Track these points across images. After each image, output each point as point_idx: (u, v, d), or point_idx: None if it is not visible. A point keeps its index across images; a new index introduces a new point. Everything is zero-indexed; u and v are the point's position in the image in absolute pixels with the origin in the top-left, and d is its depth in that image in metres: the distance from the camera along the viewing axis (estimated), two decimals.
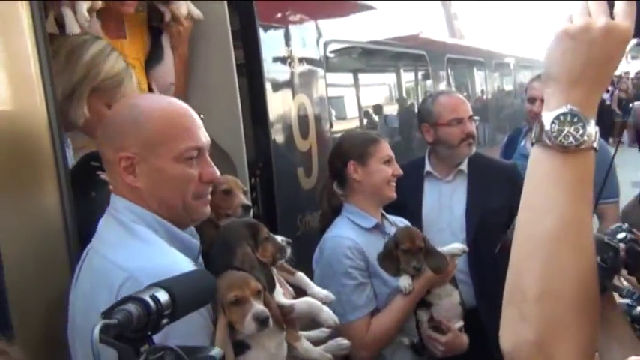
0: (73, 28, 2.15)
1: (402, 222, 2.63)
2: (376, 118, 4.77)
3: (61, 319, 1.60)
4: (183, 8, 2.65)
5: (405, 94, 5.41)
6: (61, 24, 2.23)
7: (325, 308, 1.76)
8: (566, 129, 0.97)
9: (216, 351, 1.08)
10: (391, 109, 5.12)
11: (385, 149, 2.53)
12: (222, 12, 2.79)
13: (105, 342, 0.98)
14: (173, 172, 1.56)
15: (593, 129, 0.98)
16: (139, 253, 1.48)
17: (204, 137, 1.63)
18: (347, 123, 4.24)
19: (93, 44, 2.03)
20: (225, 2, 2.77)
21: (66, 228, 1.76)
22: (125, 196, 1.59)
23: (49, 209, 1.75)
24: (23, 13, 1.75)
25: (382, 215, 2.57)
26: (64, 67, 1.97)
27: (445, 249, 2.44)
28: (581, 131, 0.97)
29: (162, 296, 1.06)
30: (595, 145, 0.98)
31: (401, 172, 2.53)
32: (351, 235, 2.43)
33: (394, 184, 2.51)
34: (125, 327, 1.00)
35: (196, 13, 2.67)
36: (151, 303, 1.04)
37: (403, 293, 2.35)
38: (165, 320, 1.06)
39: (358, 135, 2.70)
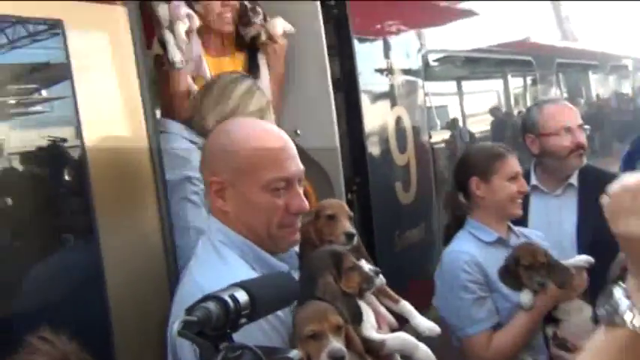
0: (174, 54, 2.34)
1: (534, 235, 2.55)
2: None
3: (162, 335, 1.65)
4: (279, 26, 2.71)
5: (512, 101, 5.22)
6: (162, 42, 2.39)
7: (422, 346, 1.65)
8: None
9: (294, 353, 1.09)
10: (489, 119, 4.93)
11: (510, 165, 2.46)
12: (318, 26, 2.84)
13: (185, 336, 1.03)
14: (258, 200, 1.61)
15: None
16: (219, 273, 1.51)
17: (296, 167, 1.65)
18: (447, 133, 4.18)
19: (242, 82, 2.23)
20: (321, 17, 2.82)
21: (166, 251, 1.87)
22: (219, 217, 1.65)
23: (149, 233, 1.85)
24: (127, 46, 1.90)
25: (509, 227, 2.52)
26: (216, 102, 2.18)
27: (570, 262, 2.38)
28: None
29: (242, 296, 1.09)
30: None
31: (527, 189, 2.48)
32: (471, 248, 2.41)
33: (520, 200, 2.46)
34: (205, 324, 1.04)
35: (288, 27, 2.71)
36: (230, 302, 1.07)
37: (524, 309, 2.30)
38: (243, 320, 1.09)
39: (483, 149, 2.62)
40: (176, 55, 2.32)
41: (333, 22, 2.95)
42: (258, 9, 2.68)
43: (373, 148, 3.07)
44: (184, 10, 2.39)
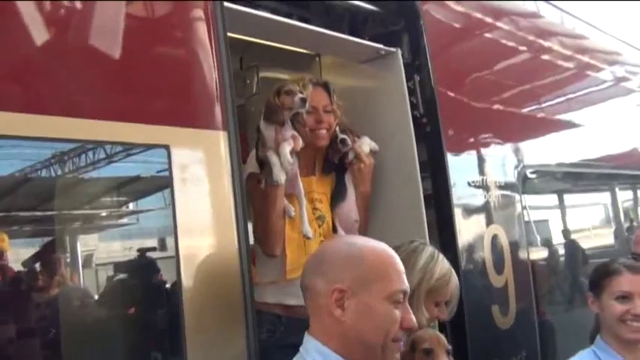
0: (279, 176, 2.40)
1: None
2: None
3: None
4: (365, 146, 2.79)
5: (622, 216, 5.01)
6: (261, 161, 2.50)
7: None
8: None
9: None
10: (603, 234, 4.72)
11: (620, 284, 2.40)
12: (410, 144, 2.92)
13: None
14: (381, 310, 1.63)
15: None
16: None
17: (407, 283, 1.71)
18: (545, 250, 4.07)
19: (424, 250, 2.27)
20: (413, 132, 2.90)
21: None
22: (319, 337, 1.65)
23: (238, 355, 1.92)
24: (224, 165, 2.05)
25: None
26: None
27: None
28: None
29: None
30: None
31: (638, 312, 2.36)
32: None
33: (635, 323, 2.35)
34: None
35: (374, 146, 2.79)
36: None
37: None
38: None
39: (603, 264, 2.56)
40: (281, 176, 2.40)
41: (425, 137, 3.03)
42: (348, 140, 2.77)
43: (468, 269, 3.02)
44: (290, 131, 2.49)
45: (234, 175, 2.06)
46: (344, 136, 2.76)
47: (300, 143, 2.48)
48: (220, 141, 2.06)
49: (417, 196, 2.87)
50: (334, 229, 2.75)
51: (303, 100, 2.47)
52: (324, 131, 2.69)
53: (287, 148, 2.42)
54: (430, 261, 2.26)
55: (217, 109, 2.08)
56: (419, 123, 3.02)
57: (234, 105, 2.12)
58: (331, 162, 2.82)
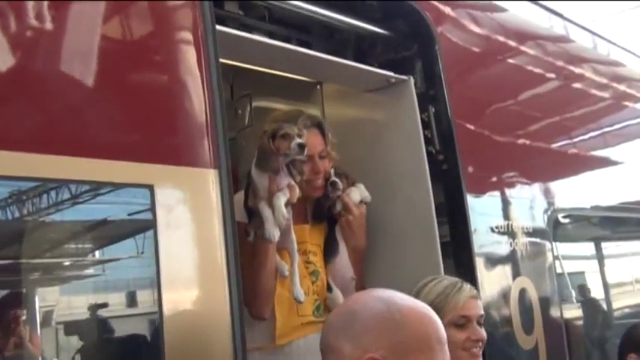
0: (272, 233, 2.39)
1: None
2: None
3: None
4: (355, 194, 2.79)
5: None
6: (250, 210, 2.49)
7: None
8: None
9: None
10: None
11: None
12: (424, 184, 2.92)
13: None
14: None
15: None
16: None
17: (448, 354, 1.66)
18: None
19: (439, 283, 2.34)
20: (427, 172, 2.92)
21: None
22: None
23: None
24: (213, 201, 2.04)
25: None
26: None
27: None
28: None
29: None
30: None
31: None
32: None
33: None
34: None
35: (366, 195, 2.79)
36: None
37: None
38: None
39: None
40: (275, 233, 2.38)
41: (441, 176, 3.05)
42: (339, 184, 2.77)
43: (492, 328, 2.96)
44: (286, 179, 2.48)
45: (225, 220, 2.05)
46: (335, 179, 2.76)
47: (297, 194, 2.48)
48: (210, 180, 2.06)
49: (432, 244, 2.88)
50: (329, 287, 2.75)
51: (302, 147, 2.45)
52: (320, 181, 2.72)
53: (282, 199, 2.41)
54: (421, 289, 2.33)
55: (207, 145, 2.08)
56: (434, 160, 3.03)
57: (225, 139, 2.12)
58: (323, 208, 2.84)
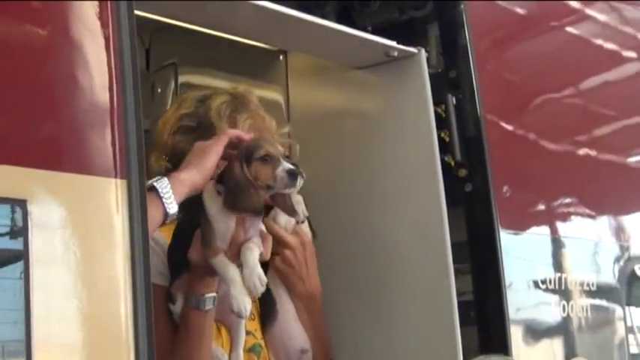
0: (243, 305, 2.23)
1: None
2: None
3: None
4: (282, 218, 2.59)
5: None
6: (178, 264, 2.37)
7: None
8: None
9: None
10: None
11: None
12: (437, 212, 2.77)
13: None
14: None
15: None
16: None
17: None
18: None
19: None
20: (442, 195, 2.77)
21: None
22: None
23: None
24: (115, 224, 1.88)
25: None
26: None
27: None
28: None
29: None
30: None
31: None
32: None
33: None
34: None
35: (287, 220, 2.61)
36: None
37: None
38: None
39: None
40: (246, 305, 2.24)
41: (463, 201, 2.97)
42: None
43: None
44: (257, 224, 2.36)
45: (134, 254, 1.88)
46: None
47: (270, 246, 2.34)
48: (112, 194, 1.89)
49: (446, 302, 2.74)
50: None
51: (293, 175, 2.29)
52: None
53: (256, 253, 2.27)
54: None
55: (108, 140, 1.91)
56: (453, 177, 2.92)
57: (139, 132, 1.94)
58: None
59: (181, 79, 3.18)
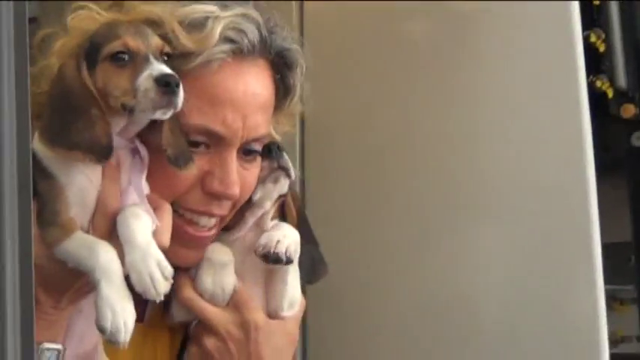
0: (122, 337, 1.56)
1: None
2: None
3: None
4: (207, 274, 1.98)
5: None
6: None
7: None
8: None
9: None
10: None
11: None
12: (581, 169, 2.49)
13: None
14: None
15: None
16: None
17: None
18: None
19: None
20: (591, 161, 2.46)
21: None
22: None
23: None
24: None
25: None
26: None
27: None
28: None
29: None
30: None
31: None
32: None
33: None
34: None
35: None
36: None
37: None
38: None
39: None
40: (128, 321, 1.63)
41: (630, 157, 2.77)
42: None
43: None
44: (140, 178, 1.71)
45: None
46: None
47: (170, 222, 1.61)
48: None
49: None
50: None
51: (167, 86, 1.52)
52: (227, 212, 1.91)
53: (148, 223, 1.58)
54: None
55: None
56: (607, 114, 2.57)
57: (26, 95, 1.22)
58: None
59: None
